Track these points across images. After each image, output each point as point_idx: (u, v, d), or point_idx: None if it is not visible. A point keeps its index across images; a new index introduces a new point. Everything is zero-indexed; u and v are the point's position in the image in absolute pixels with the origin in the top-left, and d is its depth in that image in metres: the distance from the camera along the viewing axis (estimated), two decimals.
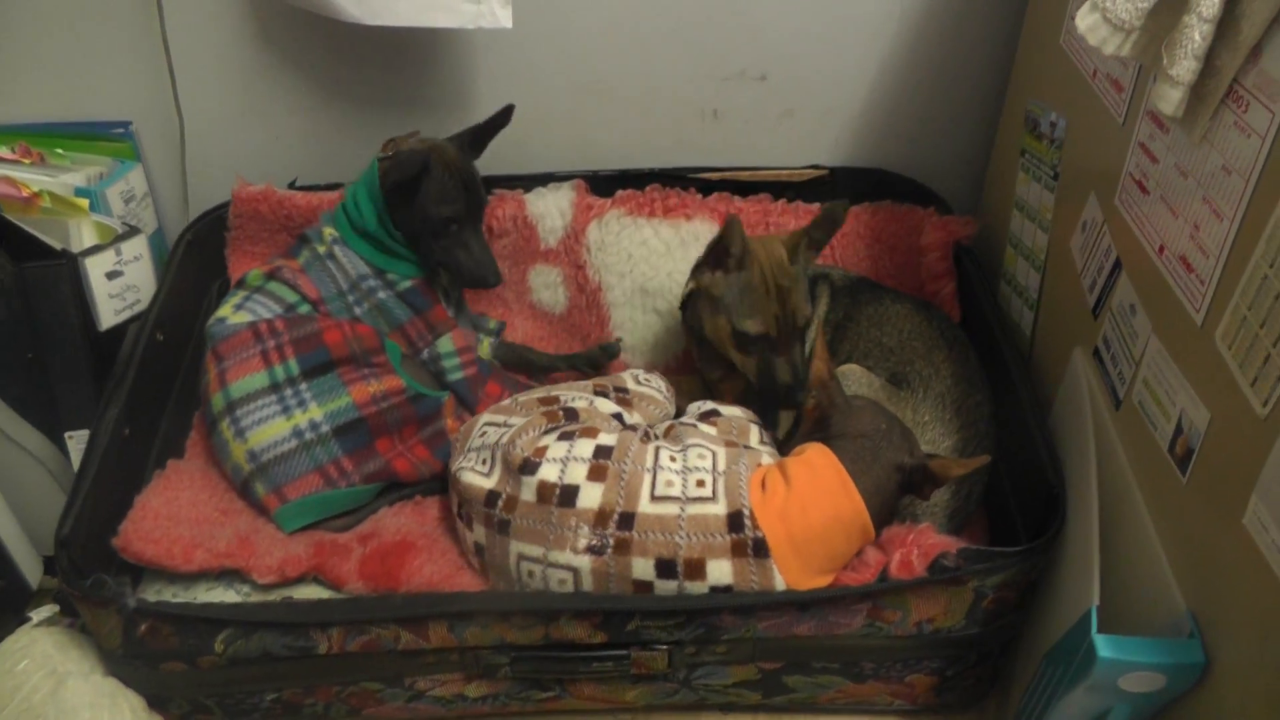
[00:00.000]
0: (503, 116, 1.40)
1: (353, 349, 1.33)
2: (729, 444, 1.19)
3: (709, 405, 1.31)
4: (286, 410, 1.29)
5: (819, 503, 1.09)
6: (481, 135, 1.41)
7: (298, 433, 1.28)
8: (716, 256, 1.31)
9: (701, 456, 1.15)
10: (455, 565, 1.21)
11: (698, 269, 1.36)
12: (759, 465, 1.15)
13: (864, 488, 1.10)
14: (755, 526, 1.08)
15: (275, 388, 1.29)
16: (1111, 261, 1.12)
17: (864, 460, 1.11)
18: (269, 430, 1.28)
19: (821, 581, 1.10)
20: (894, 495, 1.13)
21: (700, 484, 1.12)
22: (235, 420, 1.29)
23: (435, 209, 1.34)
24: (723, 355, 1.37)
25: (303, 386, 1.30)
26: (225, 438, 1.30)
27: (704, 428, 1.23)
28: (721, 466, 1.14)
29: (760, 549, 1.08)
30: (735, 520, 1.08)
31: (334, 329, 1.33)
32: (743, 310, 1.30)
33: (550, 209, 1.53)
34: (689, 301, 1.39)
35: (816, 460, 1.12)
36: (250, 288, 1.38)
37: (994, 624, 1.13)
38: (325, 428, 1.29)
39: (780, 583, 1.08)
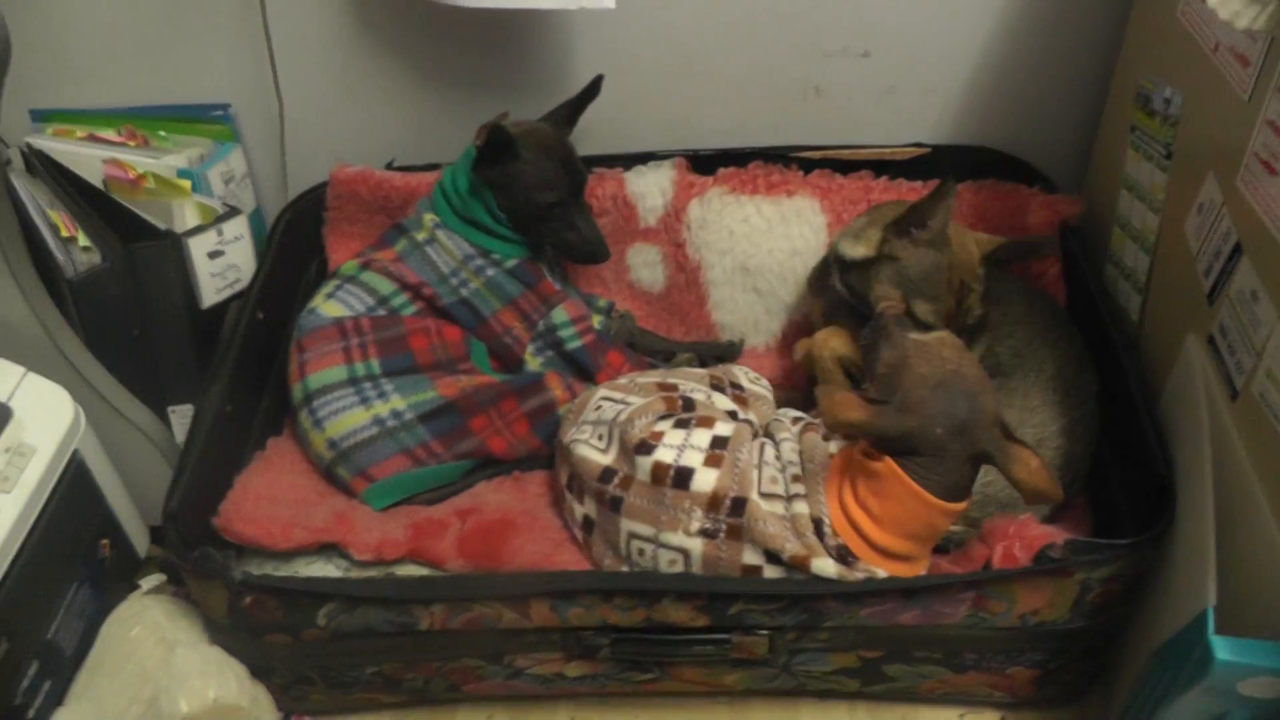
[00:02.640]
0: (593, 88, 1.40)
1: (438, 357, 1.33)
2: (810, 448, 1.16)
3: (799, 416, 1.26)
4: (365, 401, 1.29)
5: (889, 510, 1.05)
6: (575, 109, 1.41)
7: (378, 420, 1.28)
8: (916, 220, 1.27)
9: (793, 452, 1.14)
10: (555, 543, 1.21)
11: (885, 235, 1.30)
12: (830, 458, 1.11)
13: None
14: (835, 534, 1.07)
15: (354, 381, 1.30)
16: (1231, 245, 1.07)
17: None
18: (347, 420, 1.28)
19: (916, 551, 1.08)
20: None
21: (796, 479, 1.11)
22: (313, 411, 1.30)
23: (538, 195, 1.34)
24: (863, 315, 1.32)
25: (384, 381, 1.30)
26: (305, 428, 1.31)
27: (794, 429, 1.20)
28: (805, 470, 1.12)
29: (845, 555, 1.06)
30: (818, 526, 1.07)
31: (420, 334, 1.33)
32: (921, 293, 1.27)
33: (651, 188, 1.52)
34: (861, 265, 1.32)
35: (879, 469, 1.05)
36: (343, 277, 1.39)
37: (1099, 618, 1.10)
38: (409, 415, 1.29)
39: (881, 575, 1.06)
